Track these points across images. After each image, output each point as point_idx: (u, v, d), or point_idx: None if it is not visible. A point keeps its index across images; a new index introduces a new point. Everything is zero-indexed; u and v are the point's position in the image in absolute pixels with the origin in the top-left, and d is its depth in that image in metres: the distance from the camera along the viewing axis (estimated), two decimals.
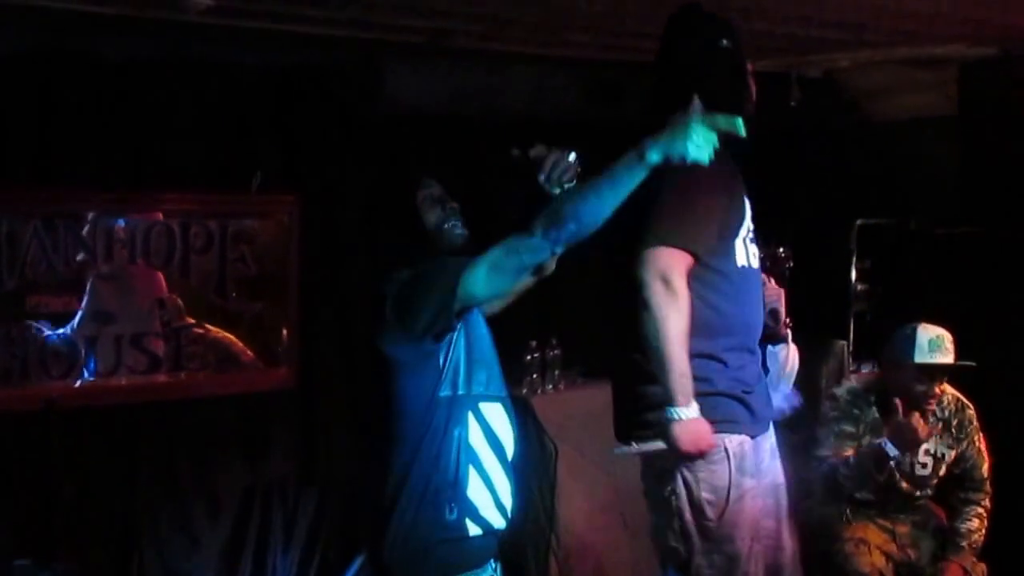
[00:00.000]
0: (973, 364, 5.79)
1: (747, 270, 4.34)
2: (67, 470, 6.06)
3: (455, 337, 4.01)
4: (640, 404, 4.31)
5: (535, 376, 6.95)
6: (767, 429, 4.46)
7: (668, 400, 4.08)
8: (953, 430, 5.96)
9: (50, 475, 5.98)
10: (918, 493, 6.01)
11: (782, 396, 4.95)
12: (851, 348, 7.56)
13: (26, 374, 6.05)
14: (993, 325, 6.62)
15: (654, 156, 3.82)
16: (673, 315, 4.07)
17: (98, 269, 6.20)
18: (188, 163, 6.35)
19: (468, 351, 4.05)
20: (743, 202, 4.37)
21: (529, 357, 6.93)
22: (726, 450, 4.26)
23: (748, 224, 4.38)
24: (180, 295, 6.44)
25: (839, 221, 7.34)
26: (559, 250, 3.96)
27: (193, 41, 6.04)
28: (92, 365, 6.21)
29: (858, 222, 7.46)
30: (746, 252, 4.35)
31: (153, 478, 6.39)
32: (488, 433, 4.06)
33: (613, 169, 3.87)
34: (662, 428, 4.13)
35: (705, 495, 4.27)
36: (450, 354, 4.00)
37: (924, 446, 5.83)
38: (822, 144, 7.54)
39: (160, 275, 6.38)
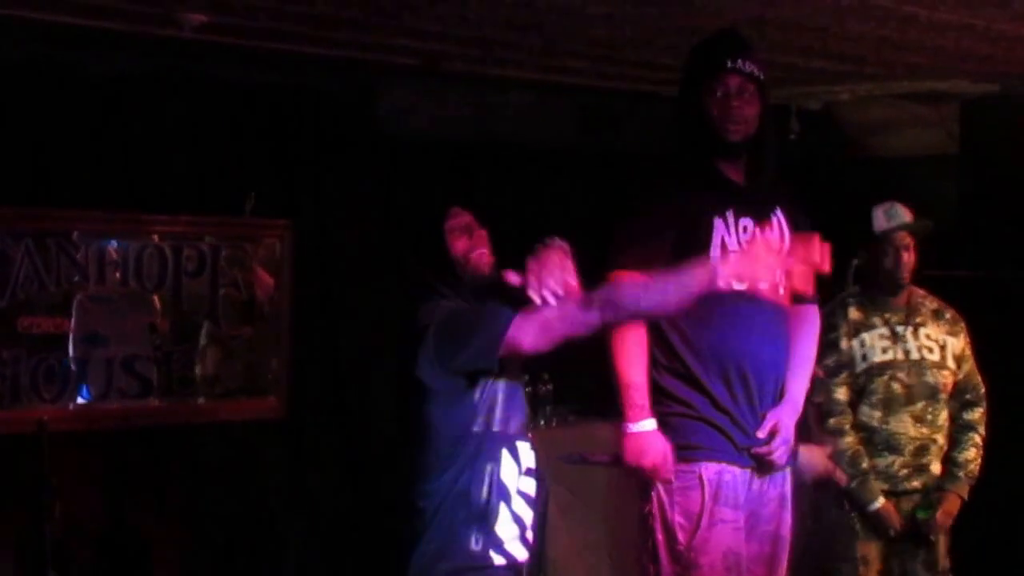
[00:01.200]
0: (929, 222, 5.88)
1: (727, 295, 4.18)
2: (58, 493, 5.90)
3: (493, 376, 4.02)
4: None
5: (527, 412, 6.92)
6: (768, 470, 4.45)
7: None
8: (947, 323, 5.83)
9: (41, 497, 5.85)
10: (918, 392, 5.70)
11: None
12: None
13: (17, 396, 6.06)
14: (991, 365, 6.59)
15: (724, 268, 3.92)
16: (624, 332, 4.24)
17: (90, 291, 6.21)
18: (181, 185, 6.37)
19: (506, 392, 4.07)
20: (723, 222, 4.40)
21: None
22: (700, 477, 4.30)
23: (741, 246, 4.36)
24: (172, 319, 6.45)
25: (837, 257, 7.32)
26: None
27: (187, 60, 6.08)
28: (84, 388, 6.23)
29: (855, 262, 7.45)
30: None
31: (142, 503, 6.39)
32: (521, 471, 4.07)
33: (680, 271, 3.93)
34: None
35: (678, 518, 4.32)
36: (486, 391, 4.00)
37: (925, 330, 5.76)
38: (820, 178, 7.53)
39: (152, 298, 6.39)
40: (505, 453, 4.02)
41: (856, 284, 5.94)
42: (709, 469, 4.30)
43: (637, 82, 6.92)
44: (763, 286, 4.12)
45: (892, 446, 5.66)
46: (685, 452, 4.33)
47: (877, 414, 5.66)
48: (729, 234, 4.37)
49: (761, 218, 4.43)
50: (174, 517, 6.47)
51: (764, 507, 4.43)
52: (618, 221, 4.33)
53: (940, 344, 5.76)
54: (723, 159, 4.46)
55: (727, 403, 4.36)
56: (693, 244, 4.30)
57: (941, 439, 5.74)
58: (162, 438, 6.42)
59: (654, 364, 4.39)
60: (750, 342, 4.40)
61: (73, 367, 6.19)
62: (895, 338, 5.72)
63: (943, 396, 5.75)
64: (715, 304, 4.19)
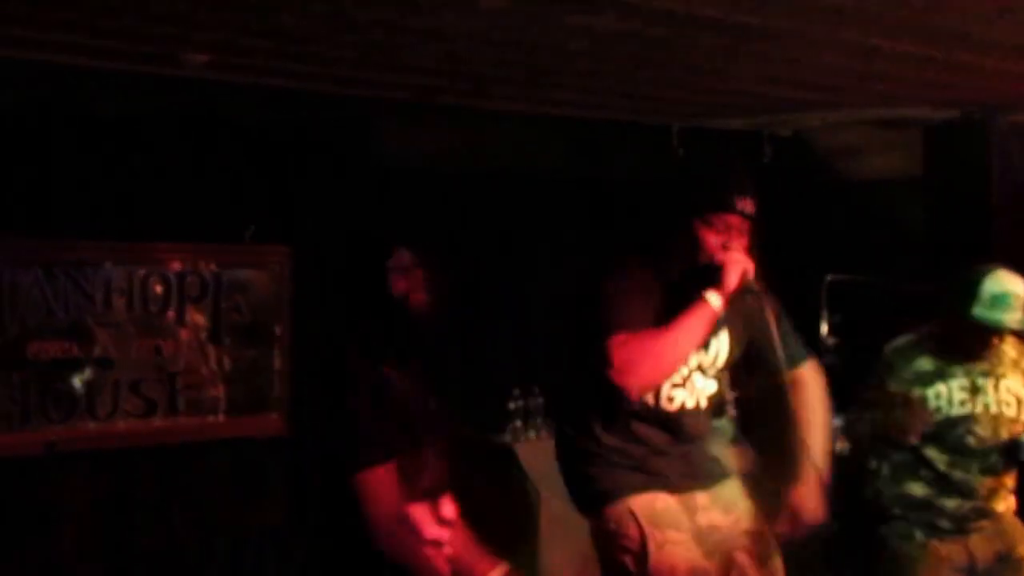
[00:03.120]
0: None
1: (661, 412, 4.49)
2: (66, 513, 6.18)
3: None
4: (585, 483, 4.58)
5: (518, 424, 7.08)
6: (701, 485, 4.57)
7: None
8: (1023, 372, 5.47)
9: (49, 518, 6.11)
10: (992, 446, 5.39)
11: None
12: None
13: (27, 418, 6.16)
14: None
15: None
16: (644, 339, 4.25)
17: (97, 317, 6.33)
18: (184, 214, 6.48)
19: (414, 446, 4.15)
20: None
21: (512, 405, 7.08)
22: (631, 511, 4.40)
23: (700, 359, 4.52)
24: (176, 342, 6.57)
25: (810, 276, 7.47)
26: None
27: (189, 96, 6.19)
28: (91, 410, 6.33)
29: (828, 278, 7.59)
30: (659, 397, 4.48)
31: (148, 522, 6.48)
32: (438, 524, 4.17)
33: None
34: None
35: (623, 556, 4.43)
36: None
37: (1005, 382, 5.40)
38: (793, 201, 7.66)
39: (157, 323, 6.51)
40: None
41: (937, 323, 5.48)
42: (637, 502, 4.40)
43: (621, 112, 7.13)
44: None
45: (963, 492, 5.39)
46: (614, 493, 4.45)
47: (945, 462, 5.37)
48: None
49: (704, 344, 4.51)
50: (181, 534, 6.55)
51: (697, 515, 4.52)
52: (605, 288, 4.36)
53: (1019, 398, 5.42)
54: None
55: (664, 446, 4.49)
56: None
57: (1009, 481, 5.52)
58: (168, 457, 6.52)
59: (595, 421, 4.50)
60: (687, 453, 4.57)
61: (81, 390, 6.29)
62: (975, 390, 5.37)
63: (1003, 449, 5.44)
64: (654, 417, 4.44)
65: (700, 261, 4.37)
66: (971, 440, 5.37)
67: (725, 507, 4.60)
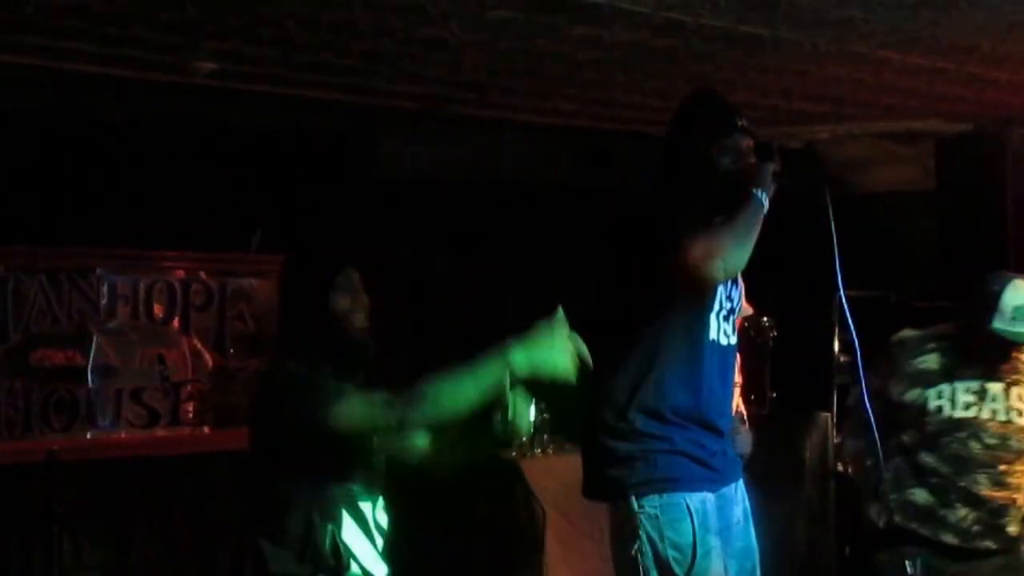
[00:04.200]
0: None
1: (717, 346, 4.34)
2: (66, 521, 6.09)
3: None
4: (604, 459, 4.38)
5: (524, 440, 7.04)
6: (732, 482, 4.45)
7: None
8: None
9: (50, 525, 6.03)
10: (1001, 456, 5.16)
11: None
12: (834, 420, 7.63)
13: (29, 427, 6.17)
14: None
15: (518, 358, 3.90)
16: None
17: (101, 325, 6.33)
18: (189, 222, 6.49)
19: (344, 448, 3.99)
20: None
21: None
22: (688, 507, 4.24)
23: (725, 303, 4.40)
24: (179, 351, 6.56)
25: (821, 293, 7.44)
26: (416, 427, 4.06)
27: (196, 104, 6.19)
28: (94, 418, 6.32)
29: (839, 294, 7.54)
30: (718, 329, 4.36)
31: (150, 531, 6.47)
32: (365, 529, 4.05)
33: (475, 364, 3.90)
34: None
35: (671, 552, 4.23)
36: (320, 451, 3.95)
37: (1018, 390, 5.17)
38: (803, 215, 7.61)
39: (161, 331, 6.51)
40: (344, 513, 3.97)
41: (954, 326, 5.28)
42: (694, 499, 4.24)
43: (627, 122, 7.06)
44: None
45: (969, 501, 5.17)
46: (668, 484, 4.25)
47: (949, 468, 5.16)
48: (724, 288, 4.36)
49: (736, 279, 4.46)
50: (182, 544, 6.55)
51: (734, 524, 4.41)
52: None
53: None
54: None
55: (703, 439, 4.30)
56: (706, 300, 4.30)
57: (1021, 499, 5.22)
58: (170, 467, 6.50)
59: (631, 404, 4.30)
60: (722, 392, 4.40)
61: (83, 398, 6.27)
62: (983, 395, 5.16)
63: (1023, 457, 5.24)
64: (703, 352, 4.28)
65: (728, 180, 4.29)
66: (975, 447, 5.17)
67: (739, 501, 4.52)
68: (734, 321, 4.47)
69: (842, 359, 7.55)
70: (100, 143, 6.25)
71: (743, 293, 4.53)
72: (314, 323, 4.09)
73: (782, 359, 6.67)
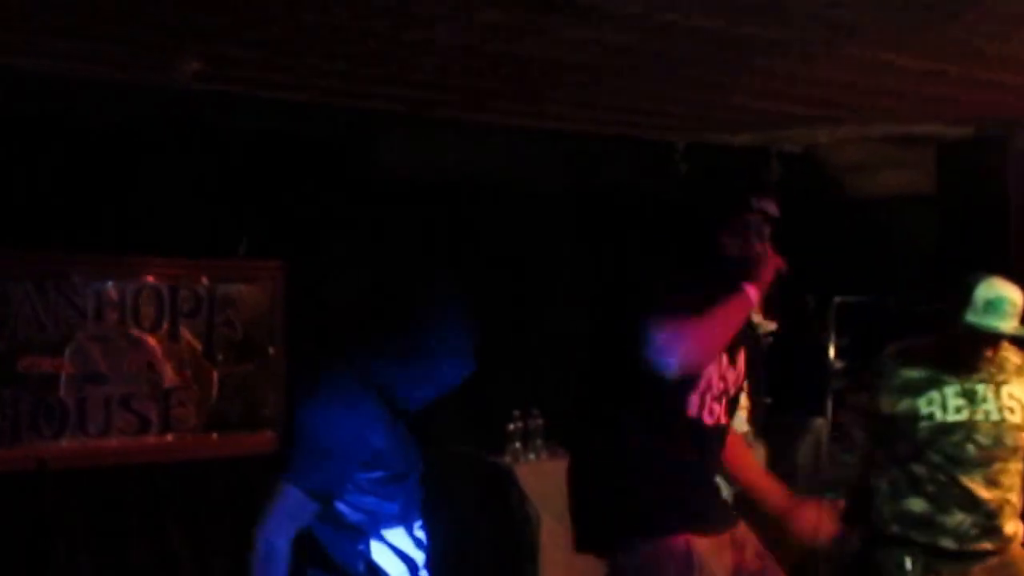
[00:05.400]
0: None
1: (701, 425, 4.34)
2: (58, 530, 6.12)
3: None
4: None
5: (518, 445, 7.04)
6: (727, 526, 4.44)
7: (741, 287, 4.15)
8: None
9: (41, 535, 6.06)
10: (995, 455, 5.24)
11: None
12: (830, 425, 7.62)
13: (18, 435, 6.13)
14: None
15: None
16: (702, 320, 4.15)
17: (88, 331, 6.29)
18: (177, 228, 6.44)
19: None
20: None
21: (512, 426, 7.04)
22: (686, 550, 4.23)
23: (716, 383, 4.38)
24: (168, 358, 6.52)
25: (818, 298, 7.42)
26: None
27: (182, 106, 6.16)
28: (83, 426, 6.29)
29: (836, 299, 7.52)
30: (700, 407, 4.33)
31: (142, 539, 6.43)
32: (396, 553, 3.98)
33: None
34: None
35: None
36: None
37: (1008, 388, 5.25)
38: (801, 219, 7.61)
39: (149, 338, 6.47)
40: (372, 542, 3.90)
41: (935, 334, 5.37)
42: (701, 543, 4.25)
43: (618, 126, 7.09)
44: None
45: (965, 506, 5.23)
46: (665, 526, 4.28)
47: (941, 475, 5.23)
48: (715, 369, 4.36)
49: (732, 359, 4.43)
50: (174, 553, 6.51)
51: (746, 551, 4.42)
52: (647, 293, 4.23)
53: (1021, 403, 5.26)
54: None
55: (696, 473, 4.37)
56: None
57: (1014, 498, 5.32)
58: (160, 474, 6.48)
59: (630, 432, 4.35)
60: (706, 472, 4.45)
61: (72, 406, 6.24)
62: (973, 398, 5.22)
63: (1020, 455, 5.30)
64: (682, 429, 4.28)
65: (728, 265, 4.27)
66: (971, 448, 5.22)
67: (741, 544, 4.47)
68: (729, 403, 4.44)
69: (837, 364, 7.55)
70: (86, 147, 6.21)
71: (742, 376, 4.49)
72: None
73: (777, 364, 6.64)
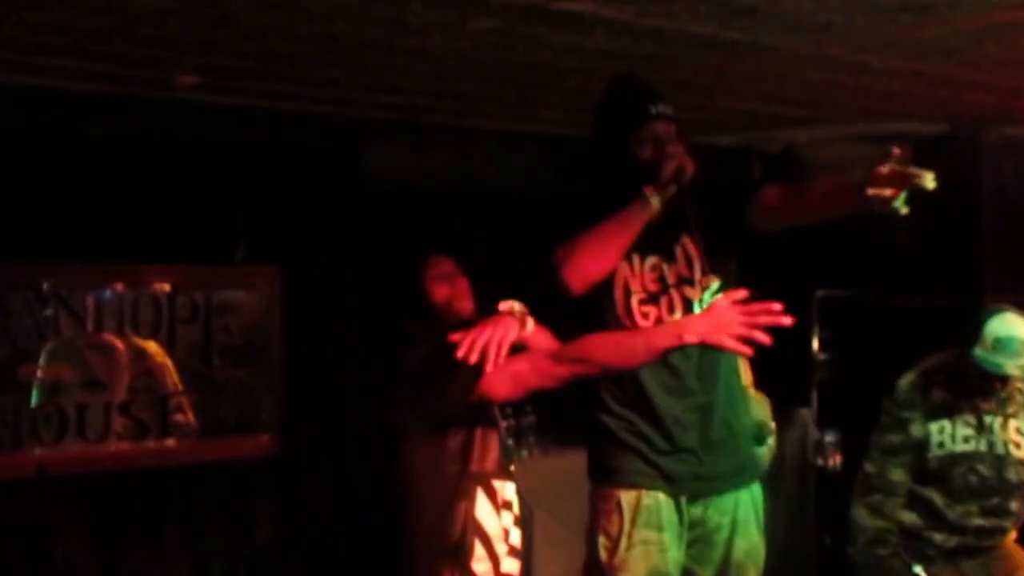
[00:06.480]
0: None
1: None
2: (58, 534, 6.12)
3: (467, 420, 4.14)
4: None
5: (510, 442, 7.00)
6: (710, 492, 4.52)
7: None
8: None
9: (41, 540, 6.06)
10: (995, 488, 5.33)
11: None
12: (815, 416, 7.70)
13: (18, 441, 6.15)
14: None
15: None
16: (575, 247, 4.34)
17: (88, 339, 6.33)
18: (174, 236, 6.46)
19: (482, 433, 4.21)
20: (628, 265, 4.46)
21: (504, 424, 7.05)
22: (619, 502, 4.42)
23: (649, 285, 4.46)
24: (167, 364, 6.55)
25: (800, 292, 7.48)
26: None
27: (178, 117, 6.21)
28: (83, 432, 6.31)
29: (818, 293, 7.60)
30: (630, 315, 4.43)
31: (140, 544, 6.46)
32: (496, 508, 4.18)
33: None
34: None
35: (601, 538, 4.46)
36: (460, 433, 4.13)
37: (1015, 422, 5.32)
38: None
39: (147, 344, 6.50)
40: (480, 492, 4.12)
41: (952, 354, 5.39)
42: (629, 494, 4.41)
43: None
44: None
45: (956, 529, 5.36)
46: (606, 476, 4.49)
47: (942, 500, 5.33)
48: (633, 276, 4.44)
49: (668, 254, 4.47)
50: (172, 557, 6.54)
51: (712, 533, 4.50)
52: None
53: None
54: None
55: (649, 432, 4.45)
56: (599, 289, 4.40)
57: (1009, 526, 5.45)
58: (159, 479, 6.50)
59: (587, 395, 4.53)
60: (681, 373, 4.46)
61: (72, 413, 6.26)
62: (981, 428, 5.31)
63: (1020, 490, 5.39)
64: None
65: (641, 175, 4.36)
66: (973, 479, 5.31)
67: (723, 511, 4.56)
68: (680, 297, 4.46)
69: (821, 357, 7.63)
70: (84, 158, 6.23)
71: (696, 268, 4.49)
72: (419, 319, 4.23)
73: (761, 356, 6.69)
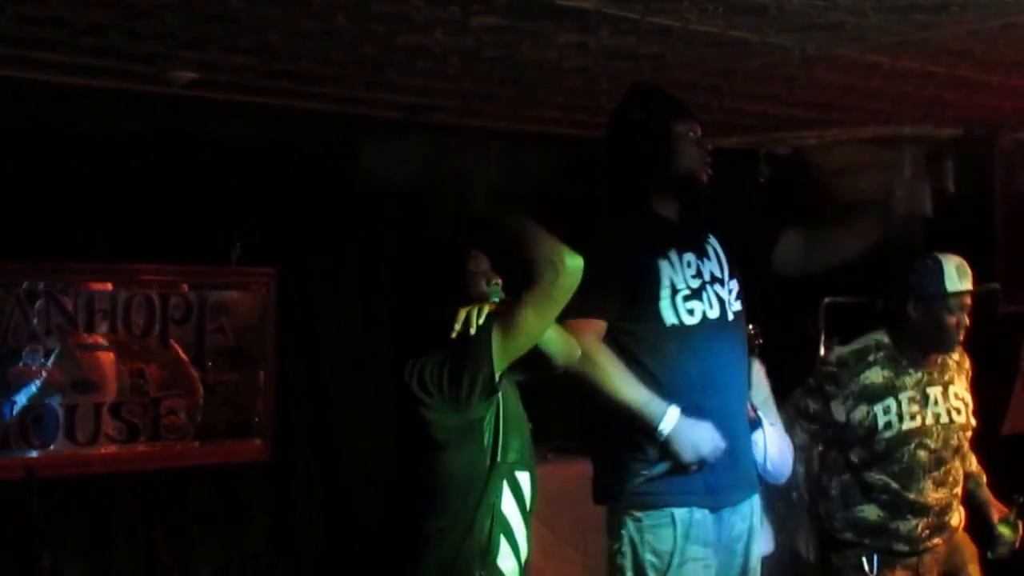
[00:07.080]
0: (996, 286, 5.62)
1: (680, 329, 4.41)
2: (46, 537, 6.04)
3: (494, 408, 4.06)
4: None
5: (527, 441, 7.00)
6: (739, 499, 4.52)
7: (651, 424, 4.24)
8: (965, 372, 5.45)
9: (29, 542, 5.98)
10: (944, 456, 5.30)
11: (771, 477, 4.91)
12: None
13: (7, 442, 6.11)
14: None
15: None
16: (602, 362, 4.31)
17: (79, 339, 6.28)
18: (168, 235, 6.43)
19: (504, 420, 4.08)
20: (668, 263, 4.47)
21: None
22: (672, 515, 4.36)
23: (691, 281, 4.47)
24: (159, 365, 6.51)
25: (807, 299, 7.42)
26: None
27: (175, 115, 6.14)
28: (72, 434, 6.27)
29: (825, 300, 7.52)
30: (676, 312, 4.42)
31: (130, 548, 6.43)
32: (519, 501, 4.10)
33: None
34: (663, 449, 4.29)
35: (648, 557, 4.37)
36: (490, 425, 4.04)
37: (953, 388, 5.33)
38: (790, 221, 7.61)
39: (140, 345, 6.45)
40: (504, 484, 4.04)
41: (884, 332, 5.41)
42: (682, 509, 4.37)
43: None
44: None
45: (918, 511, 5.28)
46: (653, 495, 4.41)
47: (897, 482, 5.25)
48: (676, 272, 4.45)
49: (700, 251, 4.53)
50: (163, 559, 6.48)
51: (734, 542, 4.50)
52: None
53: (966, 402, 5.38)
54: (659, 201, 4.54)
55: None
56: (643, 287, 4.41)
57: (959, 491, 5.43)
58: (150, 482, 6.47)
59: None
60: (709, 372, 4.45)
61: (62, 413, 6.23)
62: (925, 402, 5.27)
63: (962, 452, 5.43)
64: (662, 338, 4.38)
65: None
66: (922, 454, 5.28)
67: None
68: (715, 295, 4.51)
69: None
70: (78, 155, 6.20)
71: (723, 262, 4.59)
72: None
73: (767, 364, 6.61)
